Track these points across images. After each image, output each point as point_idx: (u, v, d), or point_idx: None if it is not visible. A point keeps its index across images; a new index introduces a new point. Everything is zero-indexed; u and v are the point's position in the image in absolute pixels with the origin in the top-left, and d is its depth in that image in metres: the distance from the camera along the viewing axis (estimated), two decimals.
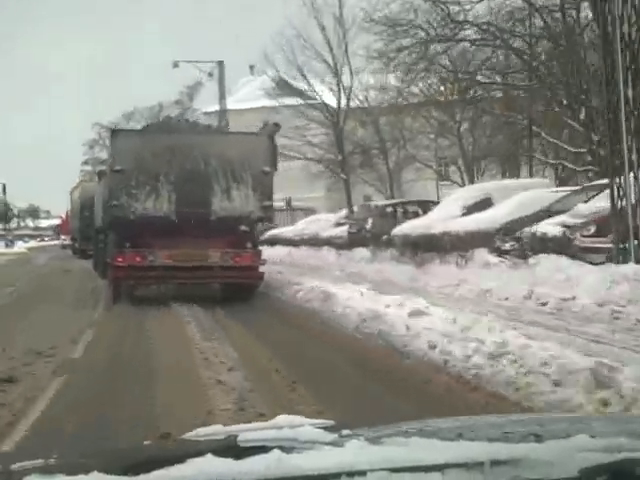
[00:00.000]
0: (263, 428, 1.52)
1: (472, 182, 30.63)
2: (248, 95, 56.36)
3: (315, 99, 46.38)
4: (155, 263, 14.05)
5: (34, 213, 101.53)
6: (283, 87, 52.53)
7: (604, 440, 1.25)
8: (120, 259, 14.09)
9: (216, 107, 56.71)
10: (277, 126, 15.75)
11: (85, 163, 69.43)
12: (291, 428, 1.45)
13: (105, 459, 1.37)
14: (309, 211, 45.83)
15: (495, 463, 1.10)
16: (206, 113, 57.63)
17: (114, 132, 15.56)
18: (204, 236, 14.00)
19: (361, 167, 42.36)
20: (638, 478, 1.10)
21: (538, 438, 1.33)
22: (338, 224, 28.12)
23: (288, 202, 47.37)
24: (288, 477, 1.08)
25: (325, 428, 1.45)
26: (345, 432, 1.42)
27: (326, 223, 29.78)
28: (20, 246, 57.96)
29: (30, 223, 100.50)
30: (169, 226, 13.89)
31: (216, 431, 1.59)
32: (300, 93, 50.71)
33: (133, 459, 1.32)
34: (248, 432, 1.45)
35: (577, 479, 1.09)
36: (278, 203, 40.59)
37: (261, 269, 14.91)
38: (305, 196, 50.19)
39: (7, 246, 55.30)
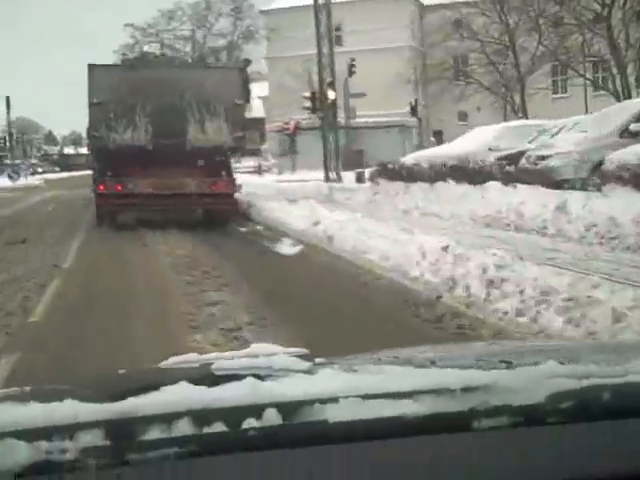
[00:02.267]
0: (237, 357, 1.52)
1: (629, 94, 25.29)
2: None
3: None
4: (135, 191, 14.90)
5: (77, 140, 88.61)
6: None
7: (573, 367, 1.28)
8: (102, 187, 15.23)
9: (277, 4, 55.23)
10: (248, 61, 17.04)
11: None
12: (265, 356, 1.46)
13: (80, 387, 1.38)
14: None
15: (465, 389, 1.13)
16: (263, 12, 56.13)
17: (90, 67, 15.92)
18: (180, 165, 14.81)
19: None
20: (603, 404, 1.13)
21: (509, 365, 1.36)
22: None
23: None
24: (262, 404, 1.09)
25: (299, 356, 1.47)
26: (319, 360, 1.45)
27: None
28: (31, 179, 48.67)
29: (71, 150, 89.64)
30: (147, 156, 14.76)
31: (190, 359, 1.61)
32: None
33: (108, 387, 1.33)
34: (222, 360, 1.46)
35: (543, 405, 1.11)
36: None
37: None
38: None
39: (11, 179, 45.94)
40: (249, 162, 45.73)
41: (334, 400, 1.11)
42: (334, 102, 29.93)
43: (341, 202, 17.80)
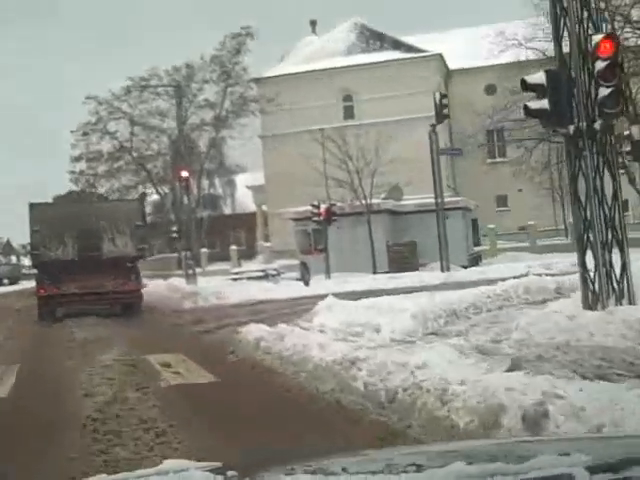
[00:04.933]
0: (148, 475, 1.54)
1: None
2: (314, 54, 49.78)
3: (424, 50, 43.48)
4: (66, 292, 20.19)
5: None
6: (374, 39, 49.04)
7: (480, 466, 1.36)
8: (42, 290, 20.61)
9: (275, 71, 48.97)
10: (144, 194, 23.27)
11: (77, 159, 50.19)
12: (175, 473, 1.49)
13: None
14: None
15: None
16: (257, 80, 48.54)
17: (30, 205, 21.50)
18: (99, 271, 20.15)
19: None
20: None
21: (418, 468, 1.43)
22: None
23: None
24: None
25: (211, 471, 1.49)
26: (230, 474, 1.45)
27: None
28: None
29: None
30: (74, 266, 20.26)
31: None
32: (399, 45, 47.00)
33: None
34: None
35: None
36: None
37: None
38: None
39: None
40: (250, 266, 41.56)
41: None
42: None
43: None
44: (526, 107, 9.62)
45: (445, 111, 27.61)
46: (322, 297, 19.65)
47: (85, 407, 7.52)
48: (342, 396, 7.07)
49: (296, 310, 17.95)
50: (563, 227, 46.07)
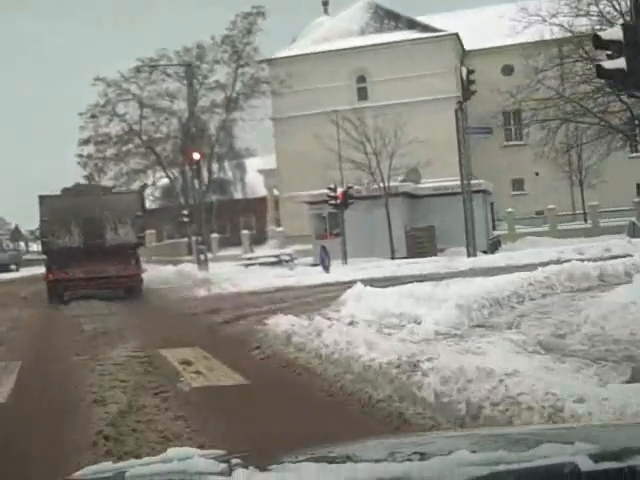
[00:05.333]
0: (152, 462, 1.54)
1: None
2: (327, 34, 48.70)
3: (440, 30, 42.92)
4: (73, 276, 21.58)
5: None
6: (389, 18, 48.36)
7: (484, 454, 1.34)
8: (50, 275, 22.02)
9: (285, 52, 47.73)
10: (145, 185, 27.53)
11: (85, 142, 49.20)
12: (180, 460, 1.49)
13: None
14: None
15: None
16: (269, 61, 47.38)
17: (40, 197, 22.90)
18: (102, 257, 21.54)
19: None
20: None
21: (422, 456, 1.43)
22: None
23: None
24: None
25: (215, 458, 1.49)
26: (235, 461, 1.45)
27: None
28: None
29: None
30: (80, 252, 21.68)
31: (105, 468, 1.63)
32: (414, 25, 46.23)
33: None
34: (137, 467, 1.50)
35: None
36: None
37: None
38: None
39: None
40: (262, 251, 40.59)
41: None
42: None
43: None
44: (599, 68, 8.37)
45: (472, 87, 26.22)
46: (344, 284, 18.63)
47: (95, 419, 6.32)
48: (403, 406, 5.86)
49: (320, 298, 16.83)
50: (581, 211, 44.82)
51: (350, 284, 16.71)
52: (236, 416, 6.51)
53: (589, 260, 18.01)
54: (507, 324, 10.73)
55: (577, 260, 17.64)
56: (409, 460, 1.39)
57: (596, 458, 1.28)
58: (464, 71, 26.03)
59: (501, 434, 2.19)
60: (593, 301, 11.68)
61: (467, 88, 25.82)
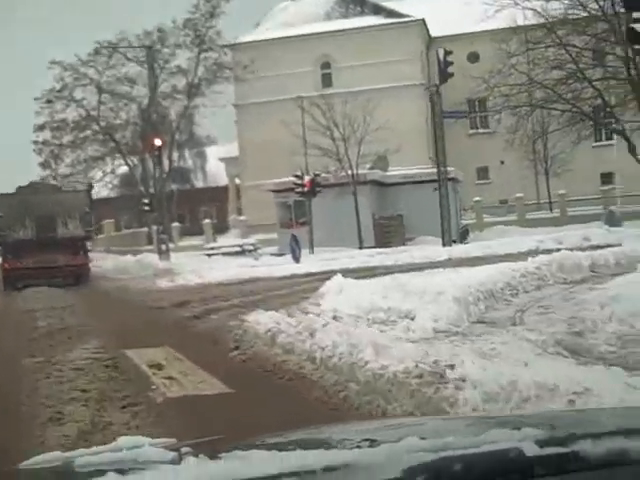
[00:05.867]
0: (101, 452, 1.53)
1: None
2: (291, 19, 47.91)
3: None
4: (27, 266, 23.70)
5: None
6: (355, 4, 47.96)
7: (432, 441, 1.32)
8: (6, 264, 24.51)
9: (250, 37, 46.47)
10: (91, 185, 29.65)
11: (41, 128, 47.36)
12: (129, 449, 1.46)
13: None
14: None
15: (327, 470, 1.20)
16: (232, 46, 45.63)
17: None
18: (54, 248, 24.06)
19: None
20: (453, 473, 1.19)
21: (372, 443, 1.40)
22: None
23: None
24: None
25: (165, 447, 1.48)
26: (185, 450, 1.43)
27: None
28: None
29: None
30: (33, 244, 24.15)
31: (54, 458, 1.61)
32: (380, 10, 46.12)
33: None
34: (86, 457, 1.47)
35: (400, 479, 1.18)
36: None
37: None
38: None
39: None
40: (225, 241, 39.33)
41: None
42: None
43: None
44: (630, 30, 7.38)
45: (449, 70, 25.18)
46: (316, 275, 17.73)
47: (50, 444, 5.15)
48: None
49: (294, 290, 15.77)
50: (547, 200, 44.35)
51: (323, 275, 15.75)
52: (225, 434, 5.38)
53: (570, 249, 17.22)
54: (509, 320, 9.80)
55: (566, 250, 16.80)
56: (358, 447, 1.37)
57: (542, 444, 1.27)
58: (441, 52, 25.03)
59: (451, 421, 2.27)
60: (594, 293, 10.79)
61: (444, 70, 24.85)
